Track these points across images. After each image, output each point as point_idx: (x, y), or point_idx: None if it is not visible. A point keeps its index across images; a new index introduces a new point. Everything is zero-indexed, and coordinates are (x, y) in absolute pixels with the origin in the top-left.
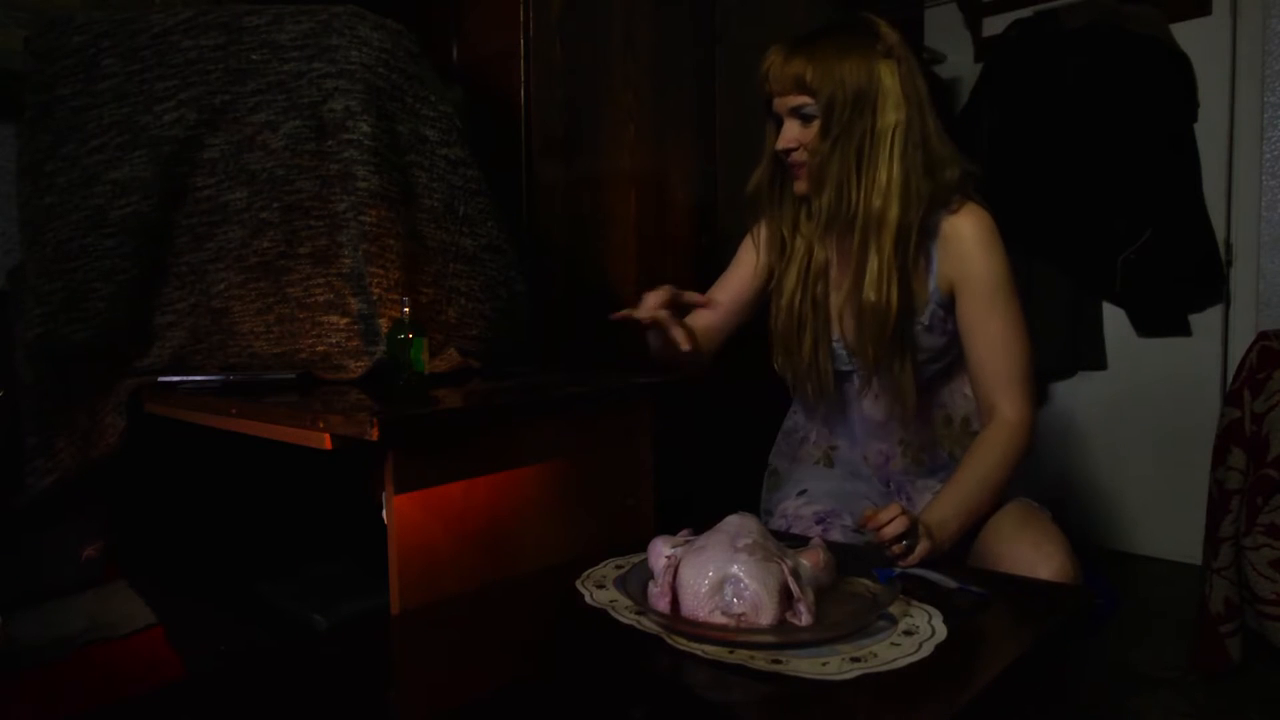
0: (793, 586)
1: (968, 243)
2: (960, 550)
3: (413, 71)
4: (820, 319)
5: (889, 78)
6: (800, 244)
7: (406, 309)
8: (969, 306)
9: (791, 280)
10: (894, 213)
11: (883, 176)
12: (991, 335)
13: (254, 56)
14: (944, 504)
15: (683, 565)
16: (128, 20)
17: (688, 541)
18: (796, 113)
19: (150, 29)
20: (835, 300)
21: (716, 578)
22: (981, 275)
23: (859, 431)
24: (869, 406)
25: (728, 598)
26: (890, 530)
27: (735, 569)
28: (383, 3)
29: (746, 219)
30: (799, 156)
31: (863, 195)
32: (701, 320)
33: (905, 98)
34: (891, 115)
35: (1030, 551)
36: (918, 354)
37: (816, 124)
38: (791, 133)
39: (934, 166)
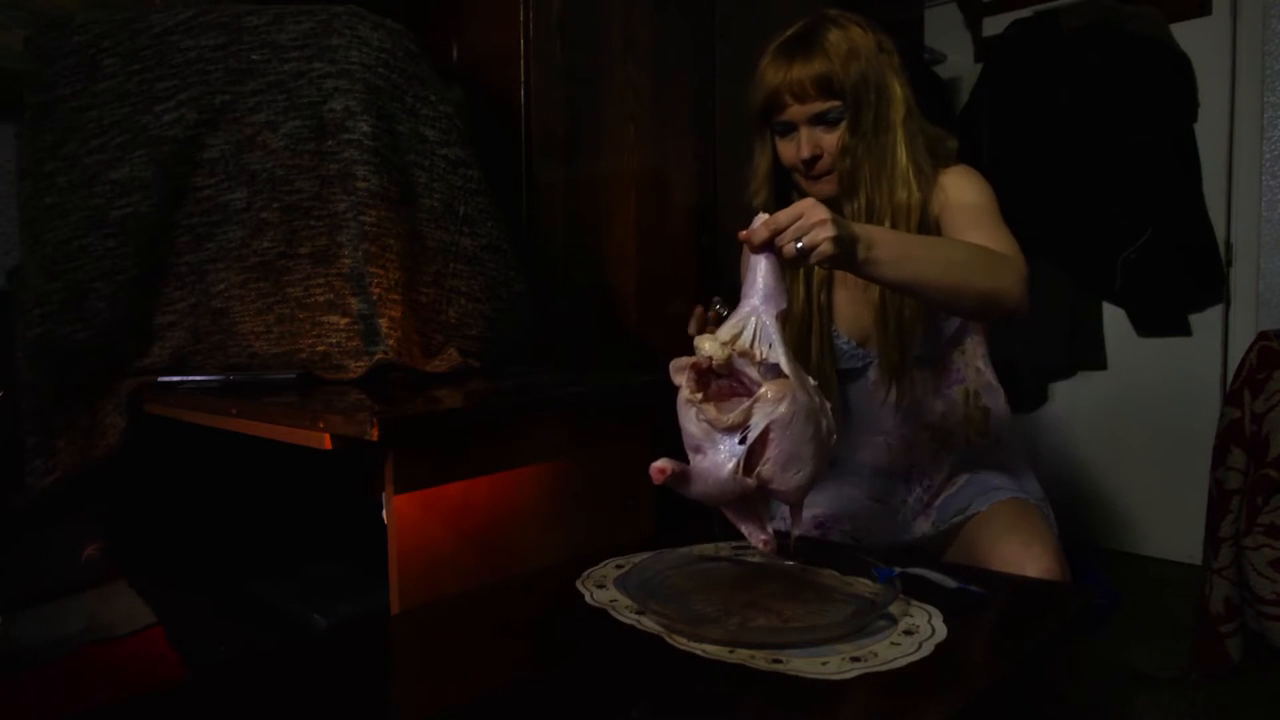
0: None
1: (951, 184)
2: (944, 543)
3: (413, 71)
4: (825, 321)
5: (886, 61)
6: None
7: None
8: (949, 230)
9: (799, 289)
10: (916, 198)
11: (902, 163)
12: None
13: (254, 56)
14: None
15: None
16: (128, 20)
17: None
18: (822, 119)
19: (150, 29)
20: (843, 298)
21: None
22: (958, 199)
23: (872, 424)
24: (892, 394)
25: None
26: (757, 235)
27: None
28: (383, 3)
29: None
30: (826, 164)
31: (891, 187)
32: None
33: (900, 78)
34: (900, 100)
35: (1019, 550)
36: (939, 321)
37: (843, 125)
38: (816, 140)
39: (933, 144)
